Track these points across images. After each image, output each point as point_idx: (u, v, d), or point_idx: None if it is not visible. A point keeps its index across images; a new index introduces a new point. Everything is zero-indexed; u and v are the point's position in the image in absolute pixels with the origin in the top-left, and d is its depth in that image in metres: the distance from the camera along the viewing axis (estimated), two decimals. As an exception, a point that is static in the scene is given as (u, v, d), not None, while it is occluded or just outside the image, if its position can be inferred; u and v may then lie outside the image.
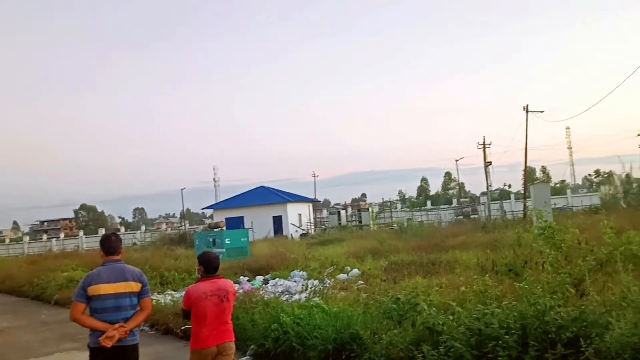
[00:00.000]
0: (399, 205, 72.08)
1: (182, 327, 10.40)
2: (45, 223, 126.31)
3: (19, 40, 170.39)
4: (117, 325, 4.82)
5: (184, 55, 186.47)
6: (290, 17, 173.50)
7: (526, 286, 6.21)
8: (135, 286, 5.01)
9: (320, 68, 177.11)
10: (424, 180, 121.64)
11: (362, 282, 13.74)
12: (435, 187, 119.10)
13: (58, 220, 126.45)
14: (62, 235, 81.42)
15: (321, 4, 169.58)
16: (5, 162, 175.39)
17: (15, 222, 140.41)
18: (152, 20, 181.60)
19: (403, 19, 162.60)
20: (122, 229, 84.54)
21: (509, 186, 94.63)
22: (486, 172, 55.38)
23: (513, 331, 5.31)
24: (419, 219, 48.70)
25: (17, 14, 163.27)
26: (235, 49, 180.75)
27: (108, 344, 4.74)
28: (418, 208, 67.00)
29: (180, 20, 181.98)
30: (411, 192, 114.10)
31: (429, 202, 74.75)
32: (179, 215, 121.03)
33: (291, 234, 45.61)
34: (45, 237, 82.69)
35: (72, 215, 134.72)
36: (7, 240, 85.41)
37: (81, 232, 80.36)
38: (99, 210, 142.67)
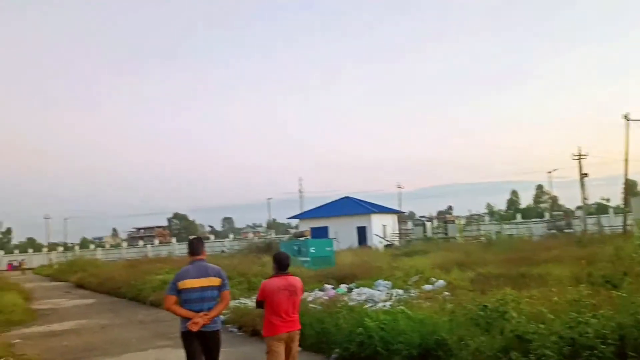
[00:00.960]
0: (486, 218, 69.97)
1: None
2: (142, 230, 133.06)
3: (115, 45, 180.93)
4: (201, 314, 5.76)
5: (269, 67, 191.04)
6: (384, 24, 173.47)
7: (625, 295, 5.88)
8: (216, 281, 5.97)
9: (405, 79, 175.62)
10: (513, 192, 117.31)
11: (447, 293, 13.48)
12: (525, 200, 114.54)
13: (153, 227, 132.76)
14: (156, 242, 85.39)
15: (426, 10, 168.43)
16: (105, 174, 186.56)
17: (114, 229, 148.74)
18: (241, 30, 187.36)
19: (503, 31, 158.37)
20: (212, 237, 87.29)
21: (607, 200, 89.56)
22: (582, 185, 52.70)
23: (610, 341, 5.05)
24: (508, 232, 47.05)
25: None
26: (321, 61, 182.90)
27: (194, 328, 5.69)
28: (507, 221, 64.73)
29: (265, 28, 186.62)
30: (500, 205, 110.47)
31: (519, 216, 72.04)
32: (265, 225, 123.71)
33: (375, 245, 45.38)
34: (141, 243, 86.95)
35: (165, 223, 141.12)
36: (107, 246, 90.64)
37: (174, 239, 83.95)
38: (190, 219, 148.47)
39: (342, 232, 47.77)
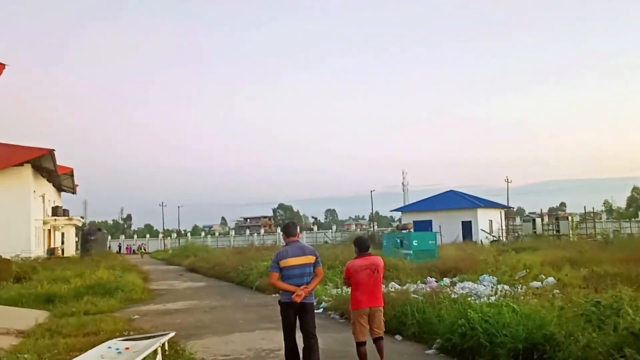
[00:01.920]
0: (603, 216, 65.61)
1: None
2: (249, 220, 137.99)
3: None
4: (302, 287, 6.59)
5: (375, 60, 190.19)
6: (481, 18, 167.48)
7: None
8: (311, 258, 6.81)
9: (519, 73, 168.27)
10: (635, 189, 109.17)
11: (557, 290, 12.85)
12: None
13: (259, 217, 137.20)
14: (262, 231, 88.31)
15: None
16: (217, 165, 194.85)
17: (223, 219, 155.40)
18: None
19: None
20: (315, 228, 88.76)
21: None
22: None
23: None
24: (628, 231, 43.94)
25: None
26: (423, 61, 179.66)
27: (298, 300, 6.53)
28: (627, 219, 60.34)
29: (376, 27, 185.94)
30: (620, 202, 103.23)
31: (640, 214, 66.94)
32: (367, 218, 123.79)
33: (481, 240, 44.07)
34: (248, 232, 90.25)
35: (271, 213, 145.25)
36: (217, 234, 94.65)
37: (278, 229, 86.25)
38: (295, 209, 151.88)
39: (446, 226, 46.86)
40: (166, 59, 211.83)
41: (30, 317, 12.31)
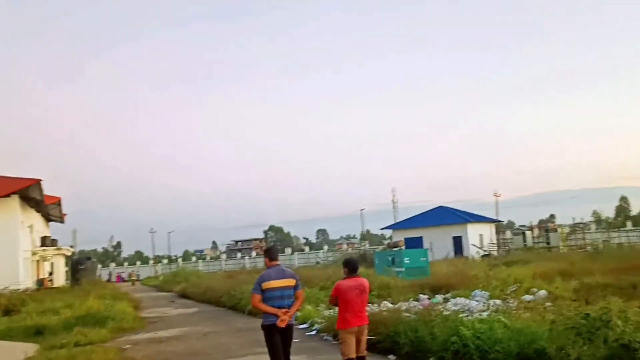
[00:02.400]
0: (593, 226, 66.02)
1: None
2: (239, 243, 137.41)
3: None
4: (284, 311, 6.86)
5: (364, 75, 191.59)
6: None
7: None
8: (292, 282, 7.12)
9: (505, 86, 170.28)
10: (623, 199, 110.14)
11: (549, 303, 12.89)
12: (637, 206, 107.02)
13: (250, 240, 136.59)
14: (253, 254, 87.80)
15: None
16: (204, 189, 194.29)
17: (214, 242, 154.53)
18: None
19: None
20: (306, 249, 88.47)
21: None
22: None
23: None
24: (617, 241, 44.20)
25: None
26: (417, 73, 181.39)
27: (282, 325, 6.82)
28: (616, 229, 60.75)
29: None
30: (608, 212, 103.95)
31: (629, 223, 67.41)
32: (359, 236, 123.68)
33: (472, 255, 44.16)
34: (239, 255, 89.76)
35: (262, 235, 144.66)
36: (208, 258, 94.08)
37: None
38: (285, 231, 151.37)
39: (437, 242, 46.97)
40: (154, 84, 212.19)
41: (18, 351, 12.13)
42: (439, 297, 16.26)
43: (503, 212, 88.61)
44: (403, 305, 12.61)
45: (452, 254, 45.42)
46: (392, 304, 13.94)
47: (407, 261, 26.23)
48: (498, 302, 12.93)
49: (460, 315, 9.66)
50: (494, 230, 55.53)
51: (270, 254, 7.41)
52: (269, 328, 6.96)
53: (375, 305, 14.14)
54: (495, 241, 53.29)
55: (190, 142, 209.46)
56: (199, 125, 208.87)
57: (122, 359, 10.74)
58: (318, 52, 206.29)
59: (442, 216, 52.72)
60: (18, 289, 33.28)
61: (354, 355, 7.13)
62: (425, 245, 44.76)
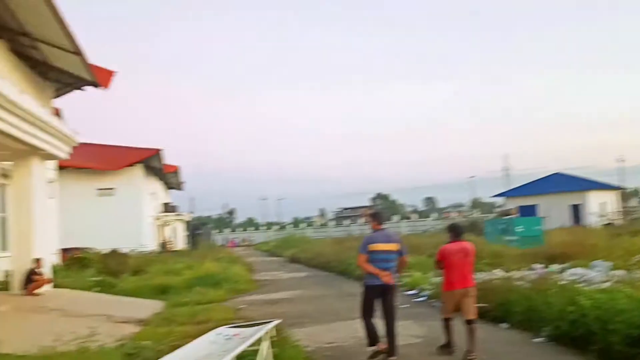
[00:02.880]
0: None
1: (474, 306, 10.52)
2: (347, 210, 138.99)
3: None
4: (386, 273, 7.18)
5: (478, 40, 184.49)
6: None
7: None
8: (396, 246, 7.42)
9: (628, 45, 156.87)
10: None
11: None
12: None
13: (358, 207, 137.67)
14: (361, 221, 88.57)
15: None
16: (313, 156, 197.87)
17: (322, 210, 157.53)
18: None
19: None
20: (414, 217, 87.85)
21: None
22: None
23: None
24: None
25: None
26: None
27: (386, 279, 7.18)
28: None
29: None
30: None
31: None
32: (468, 204, 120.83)
33: (592, 224, 41.76)
34: (347, 222, 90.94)
35: (369, 203, 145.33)
36: (316, 225, 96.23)
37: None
38: (393, 198, 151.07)
39: (553, 210, 44.79)
40: (269, 56, 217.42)
41: (147, 307, 13.19)
42: (554, 267, 15.60)
43: (628, 178, 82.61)
44: (515, 274, 12.21)
45: (569, 222, 43.21)
46: (504, 272, 13.54)
47: (520, 229, 25.38)
48: (621, 272, 12.16)
49: (579, 285, 9.23)
50: (617, 197, 52.01)
51: (377, 218, 7.68)
52: (369, 288, 7.36)
53: (486, 273, 13.84)
54: (619, 209, 49.95)
55: (299, 111, 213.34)
56: (308, 92, 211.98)
57: (239, 317, 11.31)
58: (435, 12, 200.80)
59: (559, 183, 50.11)
60: (144, 251, 36.00)
61: (451, 316, 7.54)
62: (540, 213, 42.90)
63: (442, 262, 7.59)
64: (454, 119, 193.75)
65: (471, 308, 7.45)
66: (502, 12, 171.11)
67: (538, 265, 15.78)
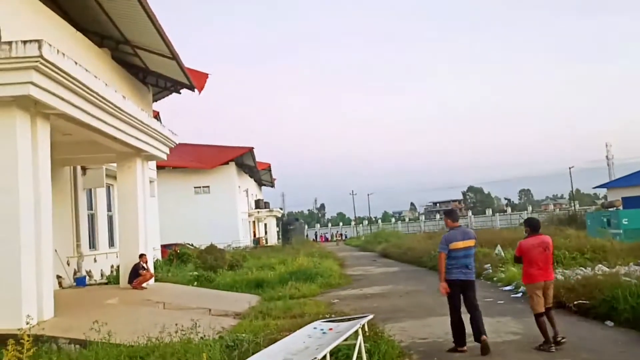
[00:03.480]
0: None
1: (576, 302, 10.09)
2: (437, 204, 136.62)
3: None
4: (443, 285, 7.74)
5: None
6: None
7: None
8: (473, 242, 7.83)
9: None
10: None
11: None
12: None
13: (448, 201, 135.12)
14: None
15: None
16: (405, 151, 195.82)
17: (412, 204, 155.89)
18: None
19: None
20: (509, 210, 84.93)
21: None
22: None
23: None
24: None
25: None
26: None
27: (444, 292, 7.81)
28: None
29: None
30: None
31: None
32: (567, 196, 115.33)
33: None
34: (438, 216, 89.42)
35: (460, 197, 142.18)
36: (407, 219, 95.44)
37: (469, 212, 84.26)
38: (485, 191, 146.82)
39: (662, 201, 41.81)
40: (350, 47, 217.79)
41: (244, 301, 13.63)
42: (665, 262, 14.59)
43: None
44: (621, 269, 11.54)
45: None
46: (607, 267, 12.84)
47: (626, 222, 23.96)
48: None
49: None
50: None
51: (452, 216, 8.10)
52: (451, 283, 7.71)
53: (589, 268, 13.17)
54: None
55: (389, 106, 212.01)
56: (396, 87, 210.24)
57: (332, 311, 11.44)
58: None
59: (668, 172, 46.71)
60: (239, 247, 37.23)
61: (543, 310, 7.53)
62: (648, 205, 40.19)
63: (522, 257, 7.77)
64: (551, 105, 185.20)
65: (551, 298, 7.73)
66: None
67: (646, 260, 14.84)
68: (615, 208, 27.56)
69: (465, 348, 7.59)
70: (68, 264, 15.36)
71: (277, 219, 65.90)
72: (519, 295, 12.80)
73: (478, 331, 7.45)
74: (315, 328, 5.82)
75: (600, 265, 13.29)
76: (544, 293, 7.58)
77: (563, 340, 7.46)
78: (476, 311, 7.58)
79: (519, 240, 8.04)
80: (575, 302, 10.08)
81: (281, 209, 76.00)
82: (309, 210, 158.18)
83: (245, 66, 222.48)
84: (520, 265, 8.14)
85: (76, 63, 9.08)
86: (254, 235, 55.81)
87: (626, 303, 8.72)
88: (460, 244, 7.65)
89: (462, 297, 7.72)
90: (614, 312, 8.97)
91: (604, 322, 9.05)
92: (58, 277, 14.03)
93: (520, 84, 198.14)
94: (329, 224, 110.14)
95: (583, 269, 13.52)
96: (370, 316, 6.82)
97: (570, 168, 68.01)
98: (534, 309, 7.58)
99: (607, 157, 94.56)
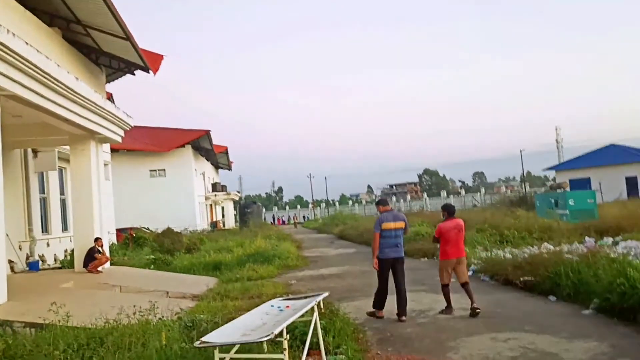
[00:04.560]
0: None
1: (522, 279, 10.56)
2: (394, 187, 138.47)
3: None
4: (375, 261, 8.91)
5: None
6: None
7: None
8: (402, 224, 8.96)
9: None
10: None
11: None
12: None
13: (404, 184, 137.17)
14: (408, 197, 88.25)
15: None
16: (360, 134, 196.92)
17: (369, 187, 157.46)
18: None
19: None
20: (463, 192, 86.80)
21: None
22: None
23: None
24: None
25: None
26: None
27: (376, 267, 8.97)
28: None
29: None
30: None
31: None
32: (518, 179, 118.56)
33: (649, 197, 40.33)
34: (394, 199, 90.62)
35: (416, 179, 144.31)
36: (363, 202, 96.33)
37: (425, 195, 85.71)
38: (441, 174, 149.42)
39: (607, 183, 43.52)
40: (304, 31, 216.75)
41: (201, 283, 13.69)
42: (607, 240, 15.32)
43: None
44: (565, 247, 12.10)
45: (624, 195, 41.90)
46: (553, 246, 13.42)
47: (572, 203, 24.85)
48: (677, 246, 11.89)
49: (629, 258, 9.11)
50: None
51: (382, 203, 9.36)
52: (382, 261, 8.83)
53: (536, 247, 13.73)
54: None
55: (345, 87, 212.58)
56: (353, 68, 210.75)
57: (289, 291, 11.64)
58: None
59: (613, 155, 48.54)
60: (196, 230, 36.99)
61: (449, 282, 8.90)
62: (594, 186, 41.79)
63: (440, 237, 8.94)
64: (503, 91, 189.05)
65: (464, 273, 8.96)
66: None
67: (589, 239, 15.54)
68: (562, 190, 28.54)
69: (382, 313, 8.91)
70: (20, 249, 15.07)
71: (235, 202, 65.62)
72: (470, 273, 13.22)
73: (401, 310, 8.68)
74: (272, 306, 5.97)
75: (545, 244, 13.86)
76: (457, 269, 8.89)
77: (478, 310, 8.47)
78: (402, 285, 8.80)
79: (438, 223, 9.31)
80: (521, 279, 10.57)
81: (238, 192, 75.59)
82: (266, 193, 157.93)
83: (204, 49, 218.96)
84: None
85: (27, 43, 8.90)
86: (212, 219, 55.48)
87: (568, 279, 9.20)
88: (392, 225, 8.79)
89: (391, 271, 8.86)
90: (557, 288, 9.45)
91: (547, 297, 9.52)
92: (10, 261, 13.75)
93: (475, 70, 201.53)
94: (287, 207, 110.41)
95: (530, 247, 14.09)
96: (326, 294, 7.01)
97: (521, 151, 69.95)
98: (442, 280, 8.95)
99: (556, 140, 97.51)
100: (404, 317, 8.59)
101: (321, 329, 6.28)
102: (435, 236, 9.13)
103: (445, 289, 8.92)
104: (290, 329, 5.96)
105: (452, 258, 8.86)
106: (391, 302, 9.03)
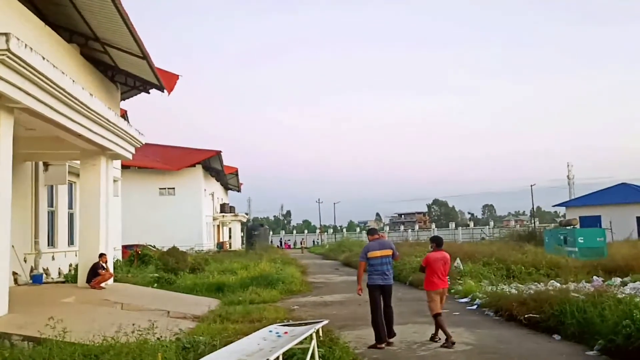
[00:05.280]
0: None
1: (526, 315, 10.41)
2: (403, 216, 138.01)
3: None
4: (359, 288, 9.51)
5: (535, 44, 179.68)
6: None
7: None
8: (389, 252, 9.32)
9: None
10: None
11: None
12: None
13: (413, 213, 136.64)
14: (416, 227, 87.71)
15: None
16: (372, 161, 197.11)
17: (377, 214, 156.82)
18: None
19: None
20: (471, 224, 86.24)
21: None
22: None
23: None
24: None
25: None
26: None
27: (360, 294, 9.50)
28: None
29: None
30: None
31: None
32: (528, 214, 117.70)
33: (660, 237, 39.83)
34: (402, 228, 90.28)
35: (425, 209, 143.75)
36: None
37: (433, 225, 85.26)
38: (450, 205, 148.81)
39: (618, 222, 42.99)
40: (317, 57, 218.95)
41: (203, 304, 13.60)
42: (615, 280, 15.13)
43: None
44: (572, 286, 11.94)
45: (635, 235, 41.42)
46: (560, 283, 13.26)
47: (581, 241, 24.60)
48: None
49: (636, 299, 8.96)
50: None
51: (370, 233, 9.81)
52: (372, 287, 9.12)
53: (542, 284, 13.57)
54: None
55: (358, 115, 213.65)
56: (367, 98, 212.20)
57: (291, 317, 11.54)
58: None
59: (624, 194, 48.09)
60: (202, 250, 36.95)
61: (440, 311, 9.00)
62: (604, 225, 41.35)
63: (426, 267, 9.24)
64: (517, 124, 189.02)
65: (443, 303, 9.31)
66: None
67: (597, 278, 15.35)
68: (572, 226, 28.26)
69: (383, 345, 8.77)
70: (25, 261, 15.09)
71: (242, 224, 65.56)
72: (474, 307, 13.10)
73: (389, 333, 9.00)
74: (270, 331, 5.92)
75: (552, 281, 13.71)
76: (440, 298, 9.12)
77: (437, 340, 8.91)
78: (389, 309, 9.21)
79: (427, 253, 9.70)
80: (526, 315, 10.41)
81: (247, 214, 75.63)
82: (274, 216, 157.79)
83: (218, 70, 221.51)
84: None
85: (44, 58, 9.04)
86: (218, 239, 55.44)
87: (573, 318, 9.05)
88: (378, 253, 9.17)
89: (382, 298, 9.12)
90: (561, 326, 9.30)
91: (551, 335, 9.36)
92: (14, 273, 13.77)
93: (488, 102, 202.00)
94: (294, 231, 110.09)
95: (537, 284, 13.93)
96: (326, 321, 6.95)
97: (532, 185, 69.34)
98: (433, 310, 9.01)
99: (568, 176, 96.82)
100: (391, 340, 8.93)
101: (319, 357, 6.21)
102: (422, 265, 9.47)
103: (438, 319, 8.97)
104: (288, 355, 5.91)
105: (438, 288, 9.10)
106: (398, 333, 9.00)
